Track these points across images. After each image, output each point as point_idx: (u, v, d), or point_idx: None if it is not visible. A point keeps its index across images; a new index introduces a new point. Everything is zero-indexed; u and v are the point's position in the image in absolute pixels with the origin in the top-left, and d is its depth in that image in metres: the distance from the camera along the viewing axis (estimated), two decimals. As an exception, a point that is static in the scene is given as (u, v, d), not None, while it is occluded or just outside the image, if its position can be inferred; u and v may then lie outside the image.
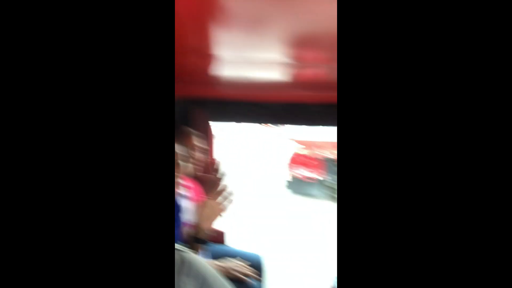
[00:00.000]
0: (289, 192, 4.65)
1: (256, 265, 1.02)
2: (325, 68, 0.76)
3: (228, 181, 0.88)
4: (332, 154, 4.47)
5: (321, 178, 4.47)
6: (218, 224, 0.85)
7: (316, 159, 4.54)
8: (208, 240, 0.85)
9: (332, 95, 1.09)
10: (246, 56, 0.68)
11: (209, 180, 1.09)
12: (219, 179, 0.90)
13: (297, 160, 4.63)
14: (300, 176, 4.56)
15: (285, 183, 4.76)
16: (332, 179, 4.48)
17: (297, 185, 4.59)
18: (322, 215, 3.74)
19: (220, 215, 0.83)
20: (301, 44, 0.59)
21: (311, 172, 4.51)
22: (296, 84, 0.95)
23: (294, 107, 1.18)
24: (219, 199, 0.83)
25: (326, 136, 4.53)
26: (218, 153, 1.30)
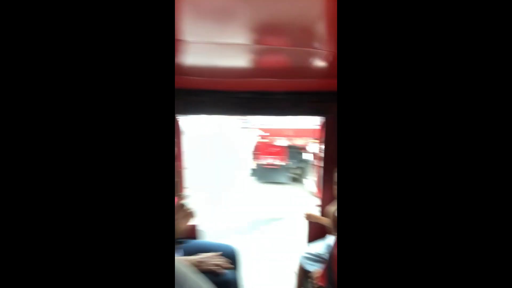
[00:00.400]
0: (254, 180, 4.75)
1: (230, 256, 1.04)
2: (289, 53, 0.76)
3: (191, 180, 0.86)
4: (294, 140, 4.66)
5: (284, 164, 4.65)
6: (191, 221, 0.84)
7: (278, 146, 4.68)
8: (183, 239, 0.85)
9: (295, 83, 1.12)
10: (213, 42, 0.67)
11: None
12: (181, 180, 0.88)
13: (261, 148, 4.73)
14: (264, 164, 4.68)
15: (251, 171, 4.84)
16: (293, 164, 4.70)
17: (262, 172, 4.72)
18: (288, 198, 3.92)
19: (194, 215, 0.83)
20: (266, 30, 0.59)
21: (275, 159, 4.66)
22: (262, 71, 0.95)
23: (260, 95, 1.18)
24: (188, 199, 0.83)
25: (288, 124, 4.68)
26: (186, 148, 1.26)
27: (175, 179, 0.87)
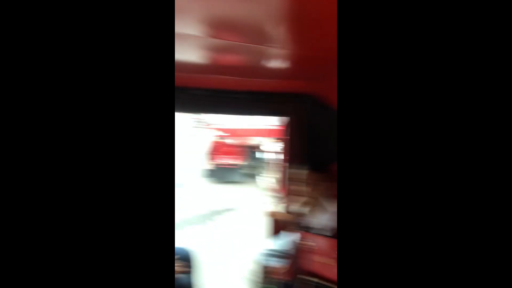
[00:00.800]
0: (212, 181, 4.64)
1: (185, 259, 1.02)
2: (249, 51, 0.73)
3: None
4: (252, 140, 4.70)
5: (242, 164, 4.65)
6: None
7: (236, 146, 4.66)
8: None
9: (256, 83, 1.10)
10: None
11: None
12: None
13: (219, 148, 4.64)
14: (222, 164, 4.60)
15: (208, 172, 4.72)
16: (251, 163, 4.73)
17: (220, 173, 4.63)
18: (246, 198, 3.92)
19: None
20: (223, 24, 0.56)
21: (232, 159, 4.62)
22: (222, 68, 0.91)
23: (219, 93, 1.14)
24: None
25: (245, 123, 4.69)
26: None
27: None
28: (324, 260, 0.87)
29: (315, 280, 0.85)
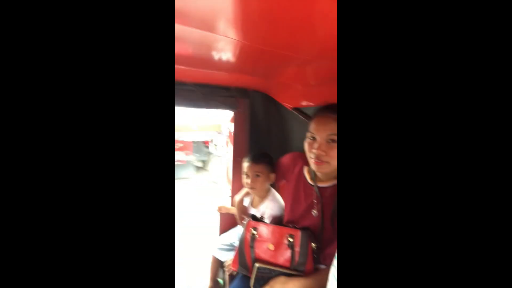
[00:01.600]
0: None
1: None
2: (197, 40, 0.66)
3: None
4: (199, 134, 4.59)
5: (189, 159, 4.53)
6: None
7: (183, 141, 4.51)
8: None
9: (205, 75, 1.07)
10: None
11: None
12: None
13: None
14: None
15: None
16: (199, 158, 4.64)
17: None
18: (198, 193, 3.85)
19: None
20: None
21: (179, 154, 4.47)
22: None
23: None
24: None
25: (192, 117, 4.56)
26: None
27: None
28: (268, 246, 0.94)
29: (260, 265, 0.91)
